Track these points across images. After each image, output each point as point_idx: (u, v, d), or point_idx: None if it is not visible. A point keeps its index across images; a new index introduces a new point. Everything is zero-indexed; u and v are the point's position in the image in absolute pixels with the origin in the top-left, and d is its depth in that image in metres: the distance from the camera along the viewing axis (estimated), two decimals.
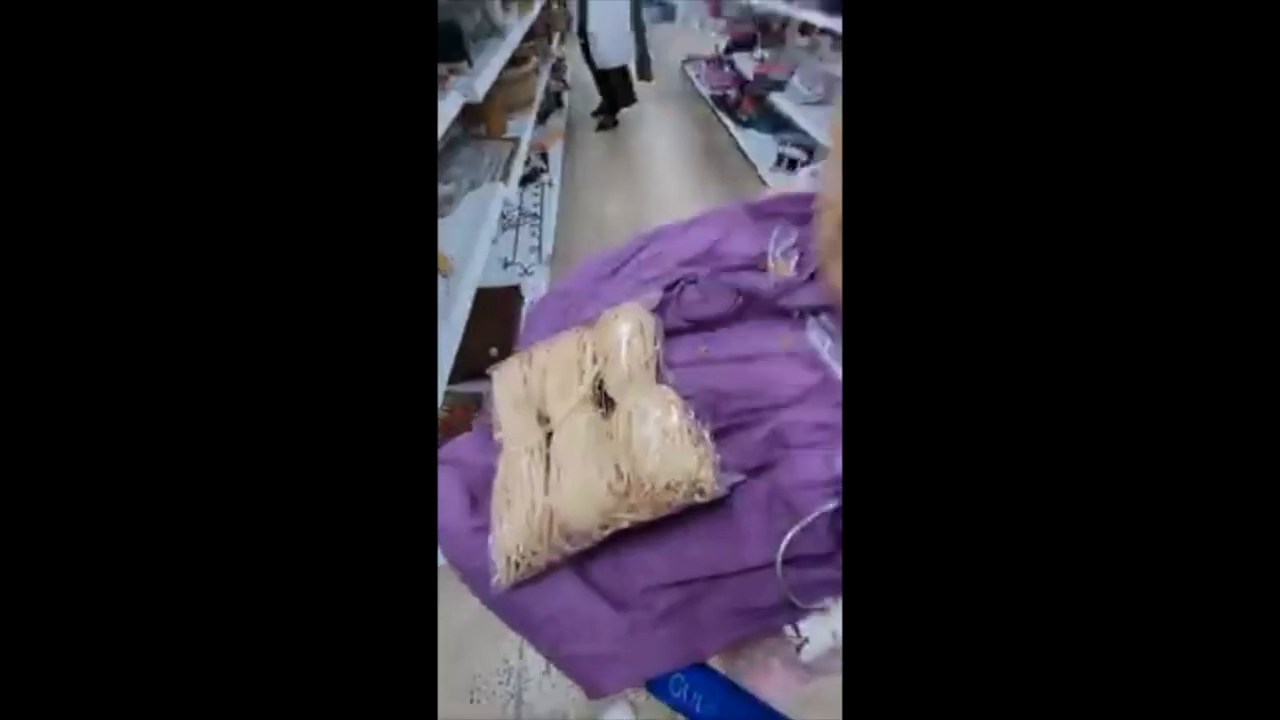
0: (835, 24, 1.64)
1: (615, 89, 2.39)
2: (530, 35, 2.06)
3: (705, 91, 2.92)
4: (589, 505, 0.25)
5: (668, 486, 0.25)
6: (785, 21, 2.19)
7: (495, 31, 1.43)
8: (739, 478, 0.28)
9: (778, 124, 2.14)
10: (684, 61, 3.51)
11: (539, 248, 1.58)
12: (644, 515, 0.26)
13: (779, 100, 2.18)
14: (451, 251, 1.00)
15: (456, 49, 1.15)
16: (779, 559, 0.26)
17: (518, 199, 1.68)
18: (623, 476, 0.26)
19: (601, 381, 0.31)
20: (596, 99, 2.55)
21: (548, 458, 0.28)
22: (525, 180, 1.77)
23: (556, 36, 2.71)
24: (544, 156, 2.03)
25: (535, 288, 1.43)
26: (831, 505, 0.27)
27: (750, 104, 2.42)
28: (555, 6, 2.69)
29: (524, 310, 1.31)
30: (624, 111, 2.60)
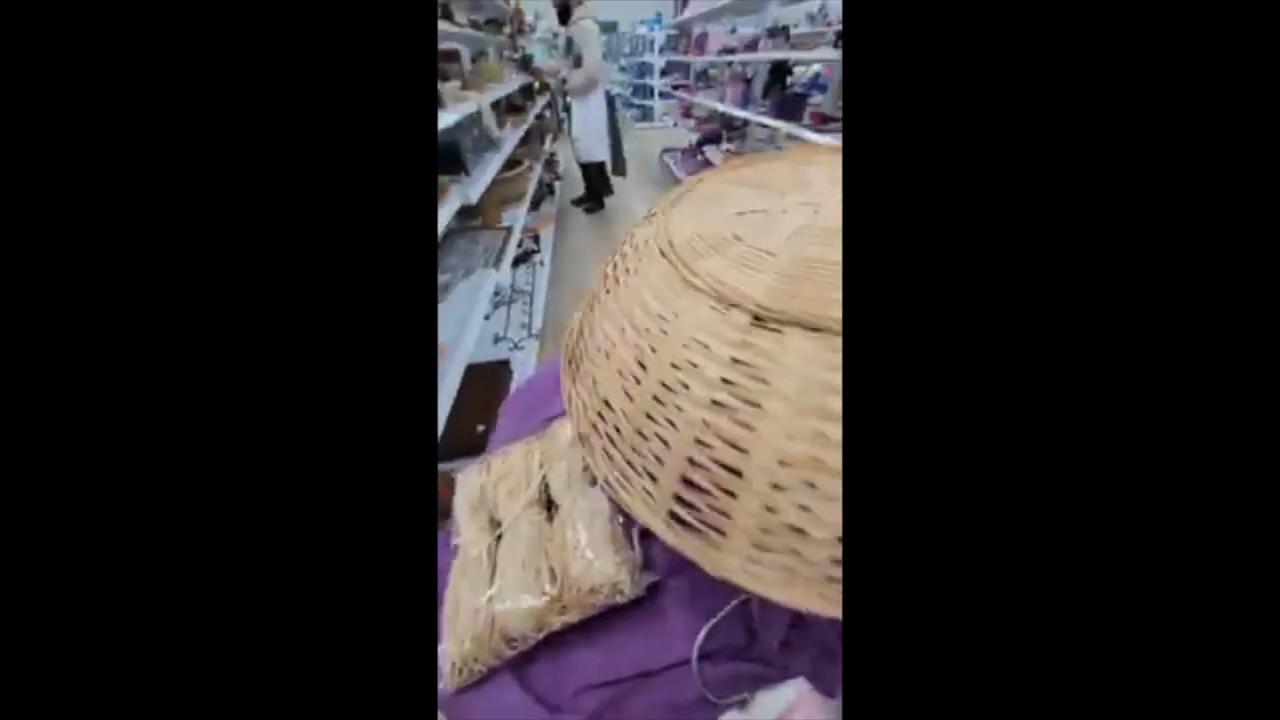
0: (788, 126, 1.92)
1: (594, 181, 2.72)
2: (525, 139, 2.38)
3: (682, 177, 3.29)
4: (525, 609, 0.29)
5: (591, 590, 0.29)
6: (745, 121, 2.55)
7: (491, 145, 1.66)
8: (654, 578, 0.31)
9: None
10: (662, 152, 3.99)
11: (529, 323, 1.68)
12: (573, 617, 0.29)
13: None
14: (445, 336, 1.08)
15: (456, 163, 1.34)
16: (694, 655, 0.29)
17: (510, 279, 1.82)
18: (556, 580, 0.29)
19: (548, 485, 0.36)
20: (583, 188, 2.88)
21: (494, 562, 0.32)
22: (518, 261, 1.94)
23: (549, 137, 3.11)
24: (536, 239, 2.23)
25: (524, 361, 1.50)
26: (741, 597, 0.30)
27: None
28: (547, 114, 3.12)
29: (512, 384, 1.37)
30: (610, 196, 2.92)
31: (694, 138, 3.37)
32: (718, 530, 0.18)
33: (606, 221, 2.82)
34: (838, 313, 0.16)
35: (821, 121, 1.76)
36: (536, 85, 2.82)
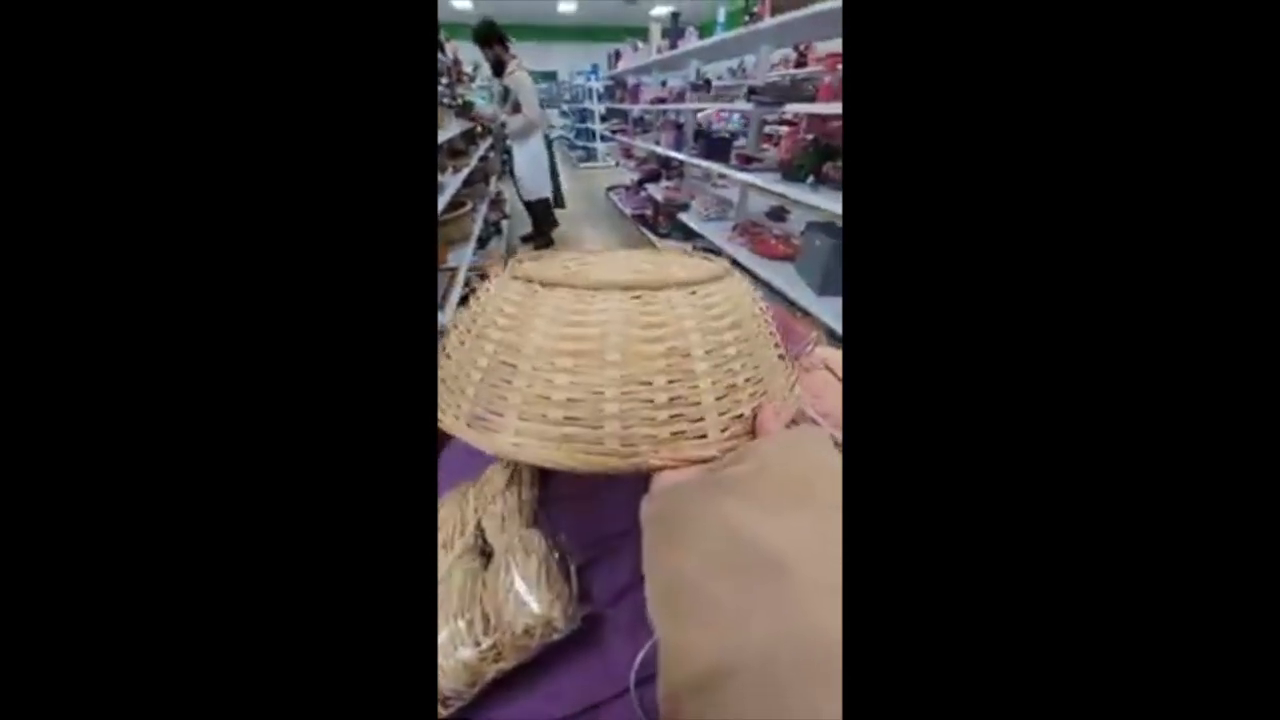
0: (717, 166, 2.10)
1: (540, 216, 2.79)
2: (469, 181, 2.40)
3: (628, 211, 3.45)
4: (457, 663, 0.28)
5: (525, 631, 0.29)
6: (681, 161, 2.76)
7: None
8: (586, 609, 0.32)
9: (688, 234, 2.55)
10: (608, 189, 4.18)
11: None
12: (509, 664, 0.29)
13: (685, 217, 2.63)
14: None
15: None
16: (631, 682, 0.29)
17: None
18: (490, 627, 0.29)
19: (483, 531, 0.36)
20: (529, 226, 2.94)
21: None
22: (465, 300, 1.92)
23: (494, 178, 3.16)
24: (484, 277, 2.22)
25: None
26: None
27: (665, 219, 2.88)
28: (491, 157, 3.18)
29: None
30: (561, 230, 2.99)
31: (635, 176, 3.58)
32: (498, 415, 0.26)
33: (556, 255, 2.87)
34: (582, 282, 0.27)
35: (746, 162, 1.95)
36: (478, 129, 2.88)
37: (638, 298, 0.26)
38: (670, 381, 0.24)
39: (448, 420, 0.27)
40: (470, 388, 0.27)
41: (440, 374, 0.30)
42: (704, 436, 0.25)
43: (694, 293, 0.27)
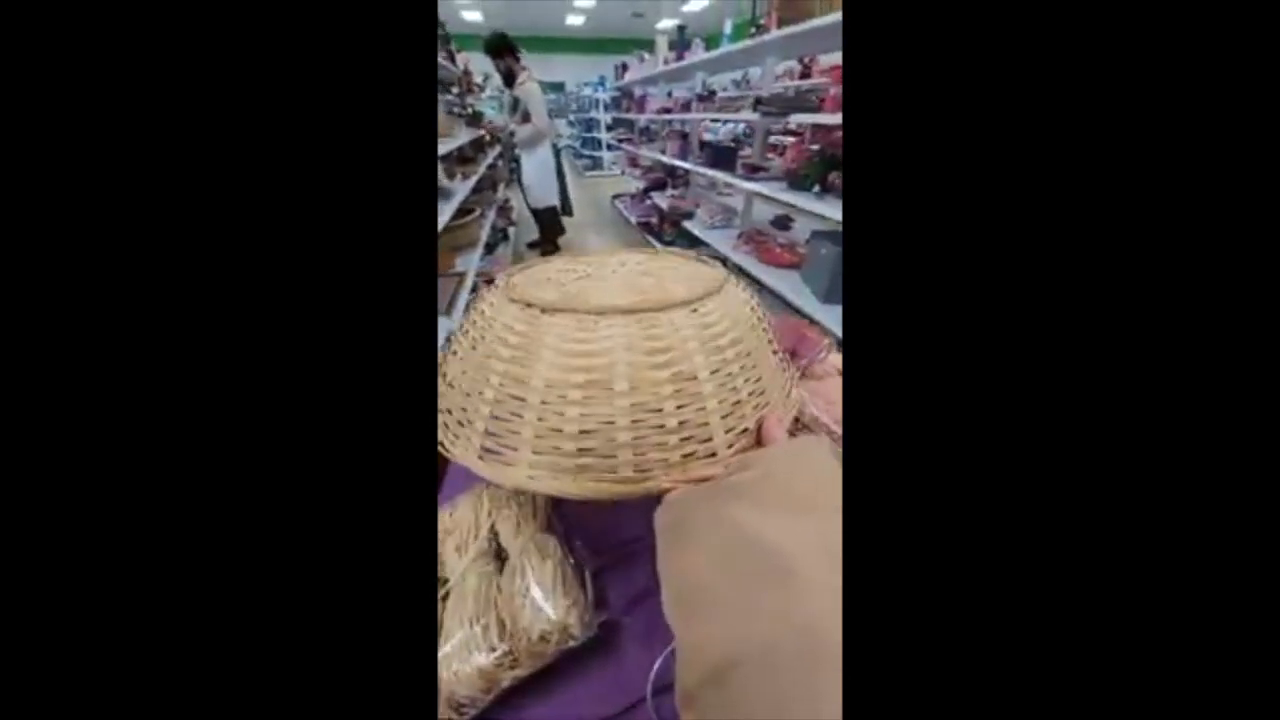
0: (722, 175, 2.12)
1: (546, 224, 2.81)
2: (478, 188, 2.44)
3: (633, 219, 3.48)
4: (473, 669, 0.28)
5: (541, 637, 0.28)
6: (687, 171, 2.79)
7: (442, 194, 1.69)
8: (603, 616, 0.31)
9: (693, 242, 2.57)
10: (613, 197, 4.23)
11: None
12: (525, 670, 0.29)
13: (690, 225, 2.65)
14: None
15: None
16: (648, 691, 0.29)
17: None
18: (505, 633, 0.29)
19: (497, 535, 0.36)
20: (536, 232, 2.97)
21: (441, 624, 0.31)
22: (470, 307, 1.93)
23: (501, 185, 3.21)
24: (490, 282, 2.23)
25: None
26: None
27: (671, 227, 2.91)
28: (499, 165, 3.23)
29: None
30: (567, 238, 3.02)
31: (641, 184, 3.62)
32: (511, 449, 0.26)
33: None
34: (584, 306, 0.26)
35: (752, 171, 1.96)
36: (487, 138, 2.93)
37: (640, 321, 0.26)
38: (679, 406, 0.25)
39: (458, 451, 0.27)
40: (480, 420, 0.27)
41: (446, 402, 0.29)
42: (713, 455, 0.25)
43: (695, 310, 0.27)
